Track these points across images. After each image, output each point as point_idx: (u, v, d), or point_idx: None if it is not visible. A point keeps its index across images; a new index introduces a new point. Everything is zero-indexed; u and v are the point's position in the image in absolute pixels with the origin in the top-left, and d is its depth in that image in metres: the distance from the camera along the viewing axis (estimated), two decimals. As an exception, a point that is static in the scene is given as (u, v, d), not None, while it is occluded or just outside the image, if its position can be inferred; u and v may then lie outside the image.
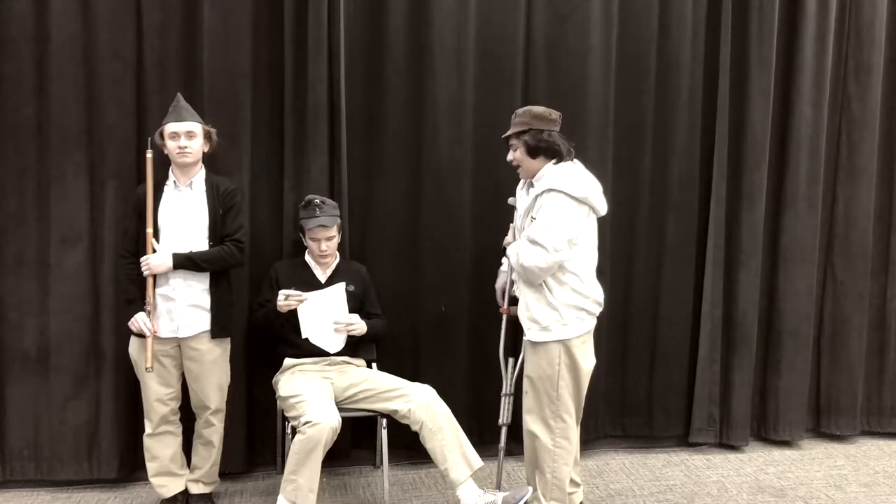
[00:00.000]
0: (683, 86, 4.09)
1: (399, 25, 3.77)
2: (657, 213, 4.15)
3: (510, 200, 3.42)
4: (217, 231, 3.26)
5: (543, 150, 3.11)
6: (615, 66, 4.02)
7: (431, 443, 3.25)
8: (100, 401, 3.59)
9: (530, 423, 3.14)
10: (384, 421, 3.40)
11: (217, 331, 3.29)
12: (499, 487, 3.56)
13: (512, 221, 3.39)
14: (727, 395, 4.25)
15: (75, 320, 3.53)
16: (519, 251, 3.05)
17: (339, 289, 3.49)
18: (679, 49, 4.07)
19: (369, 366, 3.67)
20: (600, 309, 3.19)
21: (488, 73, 3.88)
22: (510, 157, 3.21)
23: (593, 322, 3.16)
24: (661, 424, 4.25)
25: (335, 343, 3.50)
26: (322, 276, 3.56)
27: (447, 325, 3.90)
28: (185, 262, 3.19)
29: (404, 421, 3.31)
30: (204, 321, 3.27)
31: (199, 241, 3.24)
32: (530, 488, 3.13)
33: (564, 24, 3.92)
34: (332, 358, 3.51)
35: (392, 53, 3.78)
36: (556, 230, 2.97)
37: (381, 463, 3.57)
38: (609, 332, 4.09)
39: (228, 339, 3.39)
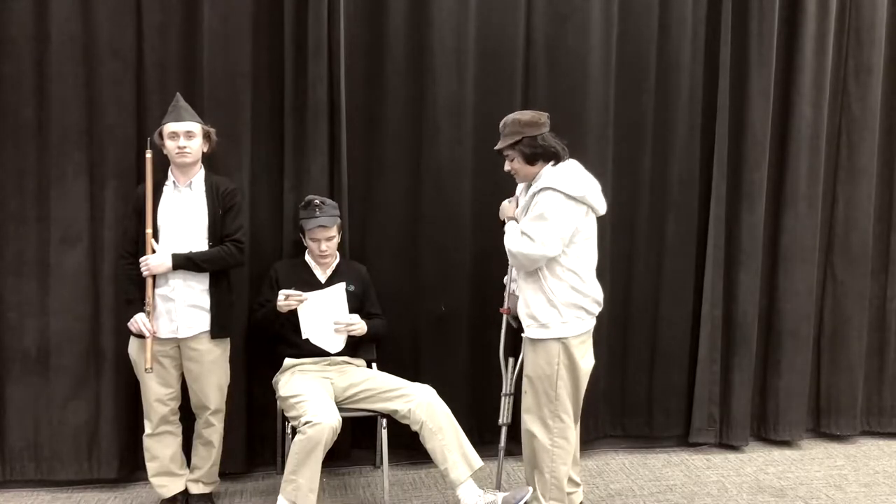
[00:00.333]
0: (683, 86, 4.09)
1: (399, 25, 3.77)
2: (657, 213, 4.15)
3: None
4: (217, 231, 3.26)
5: (540, 155, 3.10)
6: (615, 66, 4.02)
7: (431, 443, 3.25)
8: (100, 401, 3.59)
9: (529, 422, 3.14)
10: (384, 421, 3.40)
11: (217, 331, 3.29)
12: (499, 487, 3.57)
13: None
14: (727, 395, 4.25)
15: (75, 320, 3.54)
16: (511, 236, 3.08)
17: (339, 289, 3.49)
18: (679, 49, 4.07)
19: (369, 366, 3.67)
20: (600, 308, 3.18)
21: (488, 73, 3.88)
22: (507, 167, 3.18)
23: (592, 322, 3.16)
24: (661, 424, 4.25)
25: (335, 343, 3.50)
26: (322, 276, 3.56)
27: (447, 325, 3.90)
28: (184, 263, 3.19)
29: (404, 421, 3.31)
30: (203, 321, 3.27)
31: (198, 242, 3.24)
32: (530, 489, 3.13)
33: (564, 24, 3.92)
34: (332, 358, 3.51)
35: (392, 53, 3.78)
36: (547, 225, 2.97)
37: (381, 463, 3.57)
38: (609, 332, 4.09)
39: (228, 339, 3.39)
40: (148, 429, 3.34)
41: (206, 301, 3.27)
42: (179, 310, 3.23)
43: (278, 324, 3.47)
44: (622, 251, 4.13)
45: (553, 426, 3.10)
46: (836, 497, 3.73)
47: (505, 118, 3.18)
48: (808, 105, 4.16)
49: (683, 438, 4.28)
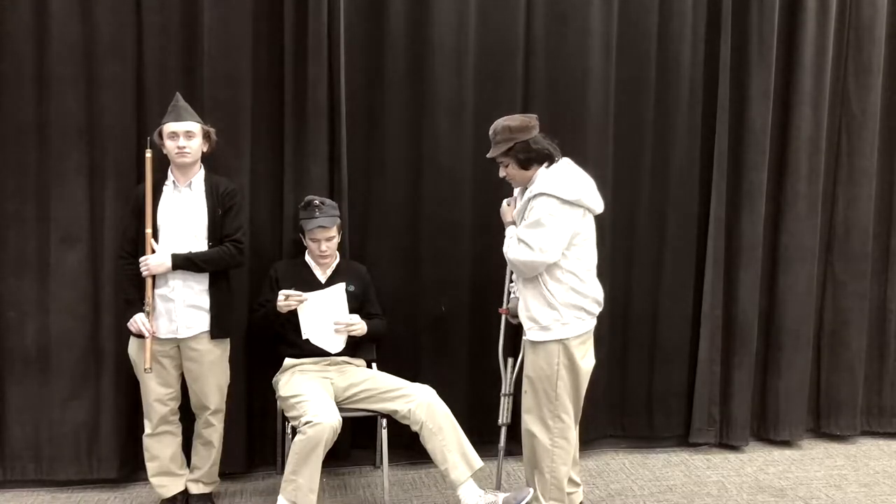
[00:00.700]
0: (683, 86, 4.09)
1: (399, 25, 3.77)
2: (657, 213, 4.15)
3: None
4: (216, 231, 3.26)
5: (534, 159, 3.08)
6: (615, 67, 4.01)
7: (431, 443, 3.25)
8: (100, 401, 3.59)
9: (529, 422, 3.14)
10: (384, 421, 3.40)
11: (216, 331, 3.29)
12: (499, 488, 3.57)
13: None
14: (727, 395, 4.25)
15: (75, 320, 3.53)
16: (509, 243, 3.08)
17: (340, 289, 3.49)
18: (679, 49, 4.06)
19: (369, 366, 3.67)
20: (600, 308, 3.18)
21: (488, 73, 3.88)
22: (502, 174, 3.17)
23: (593, 322, 3.16)
24: (661, 424, 4.25)
25: (336, 343, 3.50)
26: (322, 276, 3.56)
27: (447, 326, 3.90)
28: (184, 263, 3.19)
29: (404, 421, 3.31)
30: (203, 322, 3.27)
31: (198, 242, 3.24)
32: (531, 490, 3.13)
33: (564, 24, 3.92)
34: (333, 358, 3.51)
35: (392, 53, 3.78)
36: (544, 231, 2.97)
37: (381, 463, 3.57)
38: (609, 332, 4.09)
39: (228, 339, 3.39)
40: (148, 429, 3.34)
41: (205, 301, 3.27)
42: (179, 310, 3.23)
43: (278, 324, 3.47)
44: (622, 251, 4.13)
45: (553, 426, 3.10)
46: (836, 497, 3.73)
47: (494, 125, 3.15)
48: (808, 105, 4.16)
49: (683, 438, 4.28)
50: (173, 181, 3.26)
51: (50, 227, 3.51)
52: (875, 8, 4.24)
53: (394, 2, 3.76)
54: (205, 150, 3.30)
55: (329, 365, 3.51)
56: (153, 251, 3.18)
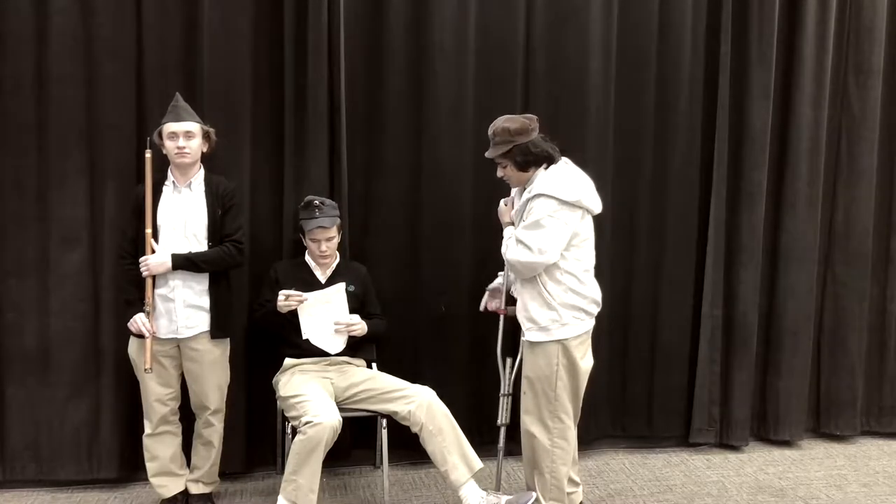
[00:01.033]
0: (683, 86, 4.09)
1: (399, 26, 3.77)
2: (657, 213, 4.15)
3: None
4: (216, 231, 3.26)
5: (532, 161, 3.08)
6: (615, 66, 4.02)
7: (431, 445, 3.25)
8: (100, 401, 3.59)
9: (528, 423, 3.14)
10: (384, 421, 3.40)
11: (216, 331, 3.29)
12: (498, 488, 3.56)
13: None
14: (727, 395, 4.25)
15: (75, 320, 3.53)
16: (508, 244, 3.08)
17: (340, 289, 3.49)
18: (679, 49, 4.06)
19: (369, 366, 3.67)
20: (598, 309, 3.18)
21: (488, 74, 3.88)
22: (500, 174, 3.17)
23: (592, 322, 3.16)
24: (661, 424, 4.25)
25: (336, 344, 3.50)
26: (322, 276, 3.56)
27: (447, 326, 3.90)
28: (184, 263, 3.19)
29: (404, 422, 3.31)
30: (203, 322, 3.27)
31: (198, 242, 3.24)
32: (534, 494, 3.12)
33: (564, 24, 3.92)
34: (333, 358, 3.51)
35: (392, 54, 3.78)
36: (543, 233, 2.96)
37: (381, 463, 3.57)
38: (609, 332, 4.09)
39: (228, 339, 3.39)
40: (148, 429, 3.34)
41: (205, 301, 3.27)
42: (179, 310, 3.23)
43: (278, 324, 3.47)
44: (622, 251, 4.13)
45: (553, 427, 3.10)
46: (836, 497, 3.73)
47: (494, 125, 3.14)
48: (808, 105, 4.16)
49: (683, 438, 4.28)
50: (173, 181, 3.26)
51: (50, 227, 3.51)
52: (875, 8, 4.24)
53: (394, 2, 3.76)
54: (204, 150, 3.29)
55: (329, 365, 3.51)
56: (153, 251, 3.18)
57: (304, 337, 3.47)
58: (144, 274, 3.18)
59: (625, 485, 3.82)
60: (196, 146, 3.23)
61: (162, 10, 3.53)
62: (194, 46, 3.57)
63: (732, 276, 4.20)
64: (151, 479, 3.39)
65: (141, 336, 3.20)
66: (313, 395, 3.23)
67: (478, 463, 3.27)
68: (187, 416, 3.43)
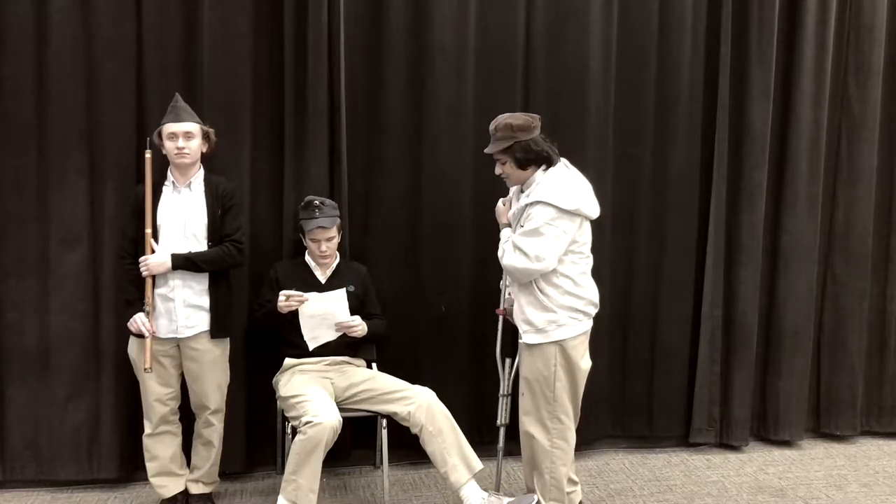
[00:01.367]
0: (683, 86, 4.09)
1: (399, 25, 3.77)
2: (657, 213, 4.15)
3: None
4: (216, 231, 3.26)
5: (532, 160, 3.07)
6: (615, 66, 4.01)
7: (431, 446, 3.25)
8: (100, 401, 3.59)
9: (527, 424, 3.14)
10: (384, 421, 3.40)
11: (216, 331, 3.29)
12: (498, 488, 3.57)
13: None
14: (727, 395, 4.25)
15: (75, 320, 3.53)
16: (505, 249, 3.06)
17: (341, 294, 3.45)
18: (679, 49, 4.06)
19: (369, 366, 3.67)
20: (596, 309, 3.18)
21: (488, 74, 3.88)
22: (498, 171, 3.15)
23: (589, 323, 3.15)
24: (661, 424, 4.25)
25: (331, 335, 3.47)
26: (322, 276, 3.56)
27: (447, 326, 3.90)
28: (184, 263, 3.19)
29: (404, 423, 3.31)
30: (203, 321, 3.27)
31: (197, 242, 3.24)
32: (535, 496, 3.12)
33: (564, 24, 3.92)
34: (333, 358, 3.51)
35: (392, 53, 3.78)
36: (542, 240, 2.96)
37: (381, 463, 3.57)
38: (609, 332, 4.09)
39: (228, 339, 3.39)
40: (148, 429, 3.34)
41: (205, 301, 3.27)
42: (179, 309, 3.23)
43: (278, 324, 3.47)
44: (622, 251, 4.13)
45: (552, 427, 3.10)
46: (836, 497, 3.73)
47: (496, 120, 3.13)
48: (808, 105, 4.16)
49: (683, 438, 4.28)
50: (173, 181, 3.26)
51: (50, 227, 3.51)
52: (875, 8, 4.24)
53: (394, 2, 3.76)
54: (204, 150, 3.30)
55: (329, 365, 3.51)
56: (153, 251, 3.18)
57: (307, 341, 3.45)
58: (144, 274, 3.18)
59: (625, 485, 3.82)
60: (196, 146, 3.23)
61: (162, 10, 3.53)
62: (194, 46, 3.57)
63: (732, 276, 4.20)
64: (151, 479, 3.39)
65: (141, 336, 3.20)
66: (313, 396, 3.23)
67: (478, 464, 3.27)
68: (187, 416, 3.43)
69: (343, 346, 3.53)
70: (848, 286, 4.38)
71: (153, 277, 3.19)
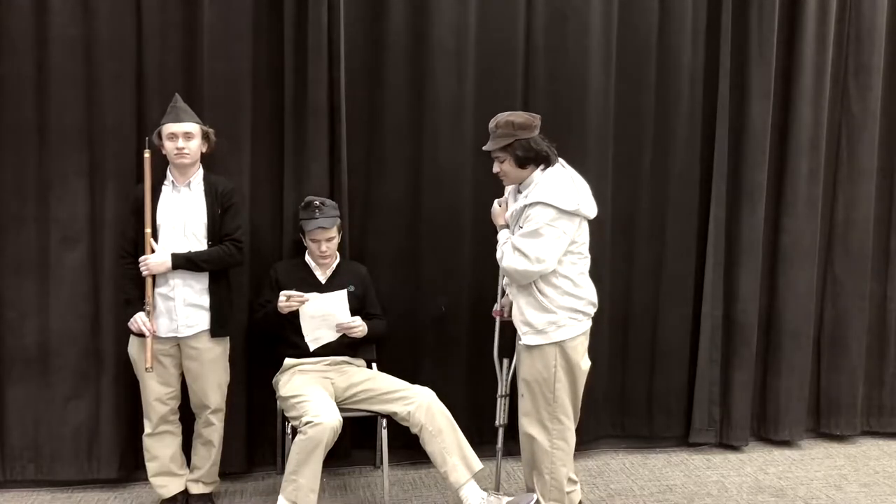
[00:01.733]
0: (683, 86, 4.09)
1: (399, 26, 3.77)
2: (657, 213, 4.15)
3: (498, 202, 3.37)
4: (215, 231, 3.26)
5: (532, 159, 3.06)
6: (615, 67, 4.01)
7: (431, 446, 3.25)
8: (100, 401, 3.59)
9: (527, 425, 3.13)
10: (384, 421, 3.40)
11: (216, 330, 3.29)
12: (498, 488, 3.57)
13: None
14: (727, 395, 4.25)
15: (75, 320, 3.53)
16: (504, 251, 3.05)
17: (342, 295, 3.45)
18: (679, 49, 4.06)
19: (369, 366, 3.67)
20: (594, 310, 3.17)
21: (488, 74, 3.88)
22: (496, 169, 3.13)
23: (588, 323, 3.15)
24: (661, 424, 4.25)
25: (331, 336, 3.47)
26: (322, 276, 3.56)
27: (447, 326, 3.90)
28: (184, 263, 3.19)
29: (404, 423, 3.31)
30: (203, 320, 3.28)
31: (197, 241, 3.24)
32: (535, 495, 3.12)
33: (564, 24, 3.92)
34: (333, 358, 3.51)
35: (392, 54, 3.78)
36: (541, 242, 2.95)
37: (381, 463, 3.57)
38: (609, 332, 4.09)
39: (228, 338, 3.39)
40: (148, 428, 3.34)
41: (205, 300, 3.27)
42: (179, 309, 3.23)
43: (279, 324, 3.47)
44: (622, 251, 4.13)
45: (552, 428, 3.10)
46: (836, 497, 3.73)
47: (496, 118, 3.12)
48: (808, 105, 4.16)
49: (683, 438, 4.28)
50: (172, 181, 3.27)
51: (50, 227, 3.51)
52: (875, 8, 4.24)
53: (394, 2, 3.76)
54: (204, 150, 3.30)
55: (329, 365, 3.51)
56: (153, 251, 3.19)
57: (307, 342, 3.45)
58: (144, 273, 3.18)
59: (625, 485, 3.82)
60: (195, 147, 3.23)
61: (162, 10, 3.53)
62: (194, 46, 3.57)
63: (732, 276, 4.20)
64: (151, 479, 3.39)
65: (141, 335, 3.21)
66: (313, 396, 3.23)
67: (478, 463, 3.27)
68: (187, 415, 3.43)
69: (343, 347, 3.53)
70: (848, 286, 4.38)
71: (153, 277, 3.19)
